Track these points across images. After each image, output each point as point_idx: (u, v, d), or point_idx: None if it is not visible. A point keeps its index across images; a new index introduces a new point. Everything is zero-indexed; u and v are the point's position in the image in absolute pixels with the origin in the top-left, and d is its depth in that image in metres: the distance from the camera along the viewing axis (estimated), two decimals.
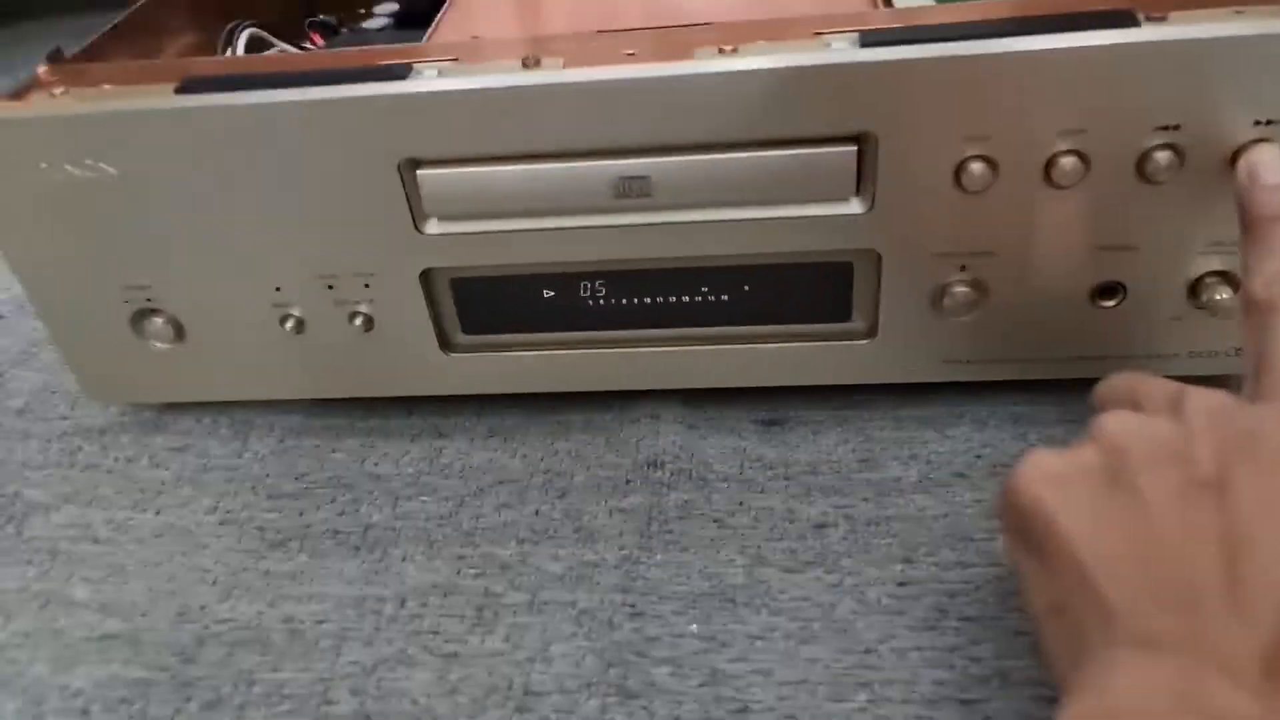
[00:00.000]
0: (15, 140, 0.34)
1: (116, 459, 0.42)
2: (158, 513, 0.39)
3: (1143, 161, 0.31)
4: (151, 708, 0.32)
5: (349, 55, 0.37)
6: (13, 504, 0.40)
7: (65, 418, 0.44)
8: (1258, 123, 0.30)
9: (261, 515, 0.39)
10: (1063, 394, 0.40)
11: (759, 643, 0.32)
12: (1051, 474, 0.26)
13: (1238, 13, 0.30)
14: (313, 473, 0.40)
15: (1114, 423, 0.26)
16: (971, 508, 0.35)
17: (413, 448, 0.41)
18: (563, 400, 0.42)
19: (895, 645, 0.31)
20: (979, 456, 0.37)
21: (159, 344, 0.39)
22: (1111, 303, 0.35)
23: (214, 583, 0.36)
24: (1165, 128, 0.30)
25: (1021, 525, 0.27)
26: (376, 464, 0.40)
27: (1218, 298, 0.33)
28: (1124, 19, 0.30)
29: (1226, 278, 0.34)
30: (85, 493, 0.40)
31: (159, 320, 0.39)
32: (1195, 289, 0.34)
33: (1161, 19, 0.30)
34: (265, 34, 0.48)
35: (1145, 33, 0.29)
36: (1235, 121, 0.30)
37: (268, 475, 0.40)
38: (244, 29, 0.49)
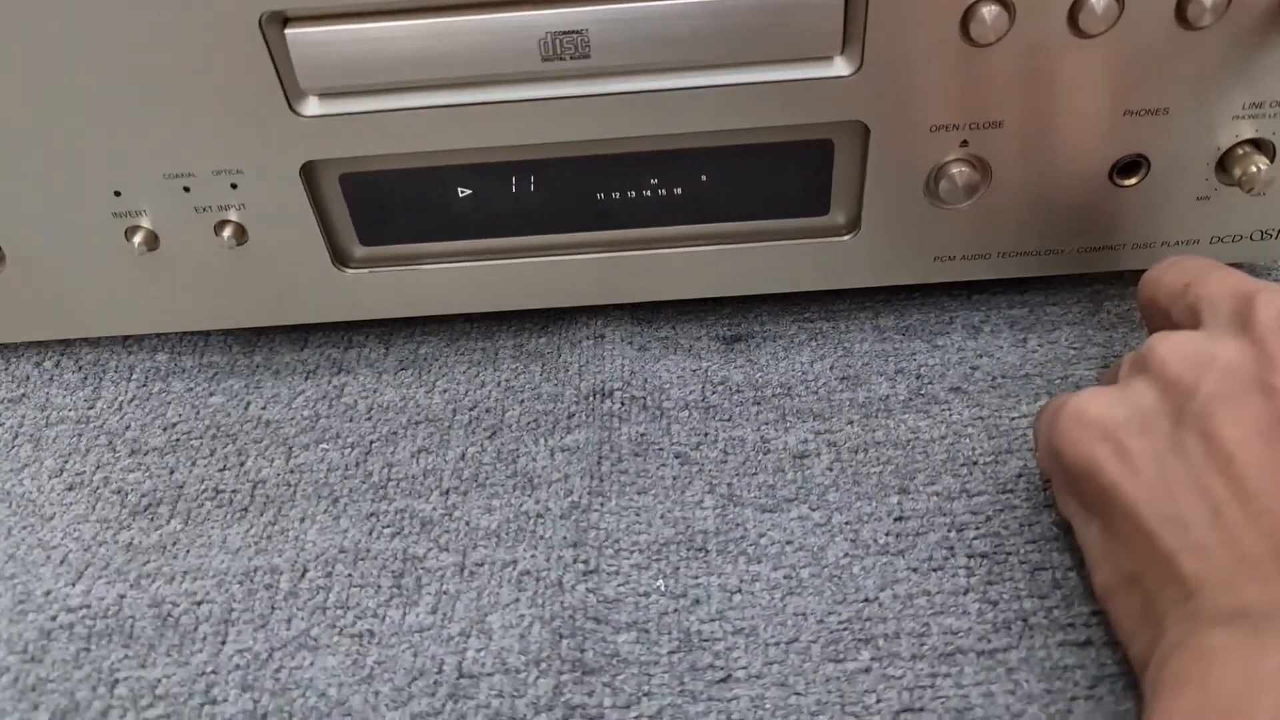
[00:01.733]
0: None
1: None
2: None
3: (1183, 2, 0.26)
4: None
5: None
6: None
7: None
8: None
9: (121, 476, 0.31)
10: (1062, 291, 0.35)
11: (737, 597, 0.27)
12: (1103, 423, 0.22)
13: None
14: (184, 421, 0.33)
15: (1170, 348, 0.22)
16: (972, 426, 0.31)
17: (307, 386, 0.34)
18: (488, 323, 0.36)
19: (898, 592, 0.26)
20: (974, 368, 0.32)
21: None
22: (1133, 181, 0.30)
23: (62, 561, 0.29)
24: None
25: (1075, 485, 0.23)
26: (264, 408, 0.33)
27: (1253, 169, 0.29)
28: None
29: (1261, 147, 0.29)
30: None
31: None
32: (1224, 161, 0.29)
33: None
34: None
35: None
36: None
37: (128, 428, 0.33)
38: None
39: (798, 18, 0.26)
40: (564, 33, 0.26)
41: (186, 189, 0.29)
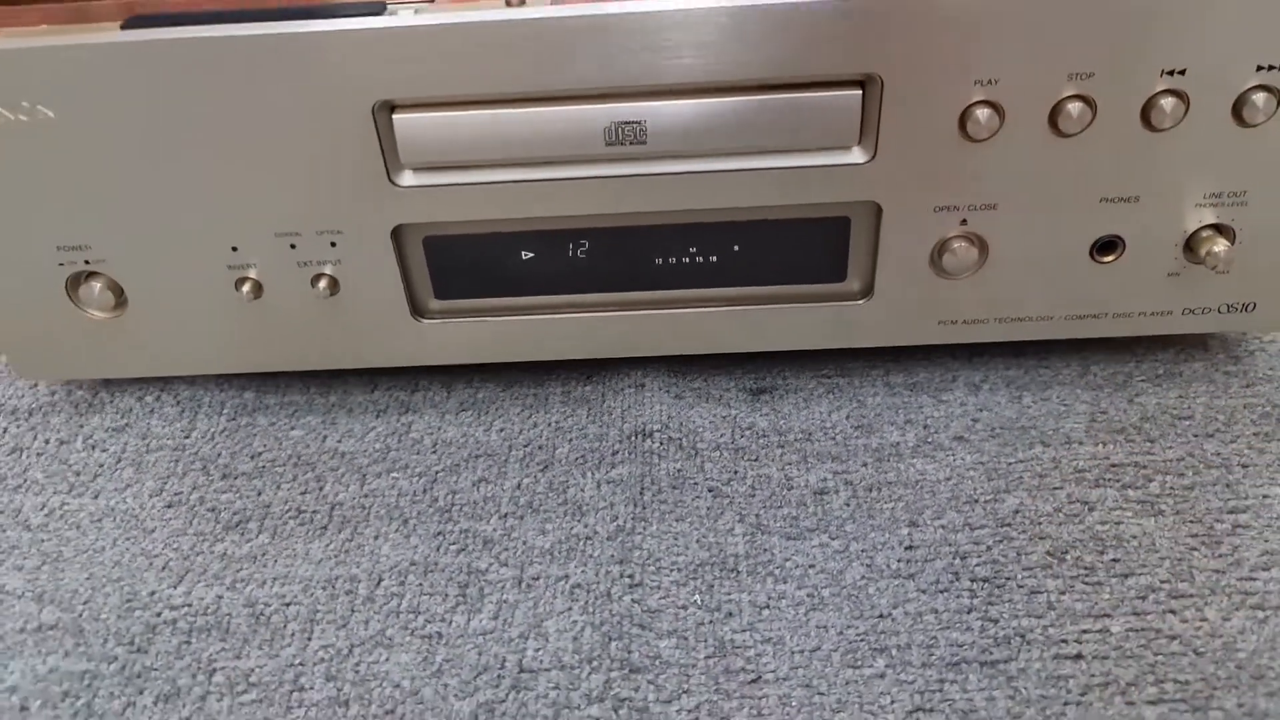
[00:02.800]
0: None
1: (47, 441, 0.38)
2: (96, 497, 0.36)
3: (1149, 107, 0.31)
4: (98, 701, 0.29)
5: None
6: None
7: None
8: (1260, 68, 0.30)
9: (214, 496, 0.35)
10: (1053, 356, 0.39)
11: (766, 611, 0.30)
12: None
13: None
14: (269, 451, 0.37)
15: None
16: (974, 470, 0.34)
17: (378, 424, 0.38)
18: (540, 372, 0.40)
19: (909, 609, 0.30)
20: (975, 420, 0.36)
21: (98, 312, 0.36)
22: (1111, 258, 0.34)
23: (164, 568, 0.33)
24: (1171, 72, 0.30)
25: None
26: (340, 441, 0.37)
27: (1215, 250, 0.33)
28: None
29: (1222, 231, 0.33)
30: (12, 478, 0.37)
31: (98, 285, 0.35)
32: (1190, 243, 0.34)
33: None
34: None
35: None
36: (1239, 67, 0.30)
37: (219, 455, 0.37)
38: None
39: (822, 114, 0.31)
40: (625, 123, 0.31)
41: (293, 245, 0.34)
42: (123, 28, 0.31)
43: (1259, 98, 0.30)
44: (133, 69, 0.30)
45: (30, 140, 0.32)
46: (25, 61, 0.30)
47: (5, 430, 0.39)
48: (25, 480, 0.37)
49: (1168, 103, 0.30)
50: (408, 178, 0.33)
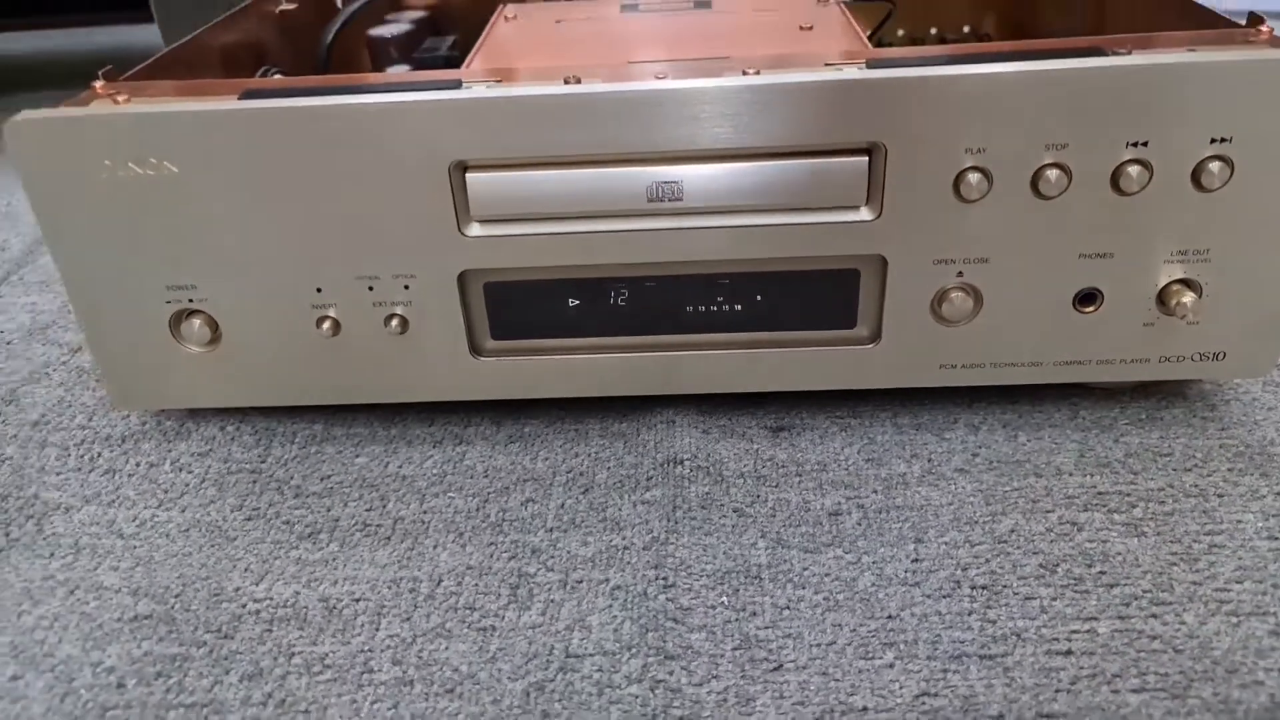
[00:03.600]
0: (83, 138, 0.36)
1: (138, 464, 0.42)
2: (183, 511, 0.40)
3: (1117, 175, 0.35)
4: (189, 680, 0.32)
5: (398, 75, 0.40)
6: (31, 504, 0.40)
7: (84, 428, 0.45)
8: (1214, 140, 0.35)
9: (289, 512, 0.39)
10: (1045, 400, 0.43)
11: (786, 611, 0.34)
12: None
13: (1191, 49, 0.35)
14: (337, 475, 0.41)
15: None
16: (973, 496, 0.38)
17: (435, 452, 0.42)
18: (580, 410, 0.44)
19: (915, 611, 0.33)
20: (975, 455, 0.40)
21: (194, 347, 0.41)
22: (1091, 309, 0.39)
23: (246, 569, 0.37)
24: (1135, 144, 0.35)
25: None
26: (400, 466, 0.42)
27: (1183, 302, 0.37)
28: (1095, 52, 0.35)
29: (1189, 285, 0.38)
30: (107, 494, 0.41)
31: (197, 322, 0.40)
32: (1163, 296, 0.38)
33: (1126, 52, 0.35)
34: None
35: (1113, 61, 0.34)
36: (1195, 139, 0.35)
37: (292, 477, 0.41)
38: (273, 72, 0.52)
39: (834, 177, 0.36)
40: (665, 182, 0.36)
41: (370, 288, 0.39)
42: (240, 98, 0.36)
43: (1214, 166, 0.35)
44: (247, 132, 0.36)
45: (155, 192, 0.37)
46: (161, 124, 0.36)
47: (100, 455, 0.43)
48: (118, 497, 0.41)
49: (1134, 170, 0.35)
50: (475, 229, 0.38)
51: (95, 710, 0.32)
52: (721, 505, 0.38)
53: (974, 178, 0.35)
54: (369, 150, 0.36)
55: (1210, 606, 0.33)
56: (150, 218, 0.38)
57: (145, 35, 1.18)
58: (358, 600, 0.35)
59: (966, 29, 0.66)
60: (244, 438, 0.44)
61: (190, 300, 0.40)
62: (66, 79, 1.01)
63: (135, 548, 0.38)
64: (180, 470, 0.42)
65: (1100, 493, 0.38)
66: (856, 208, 0.37)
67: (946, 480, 0.39)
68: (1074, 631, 0.32)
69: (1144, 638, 0.32)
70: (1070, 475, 0.39)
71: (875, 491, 0.39)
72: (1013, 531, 0.36)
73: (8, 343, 0.52)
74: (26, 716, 0.31)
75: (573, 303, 0.40)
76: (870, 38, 0.63)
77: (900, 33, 0.67)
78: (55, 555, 0.38)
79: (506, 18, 0.52)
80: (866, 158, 0.36)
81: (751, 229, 0.37)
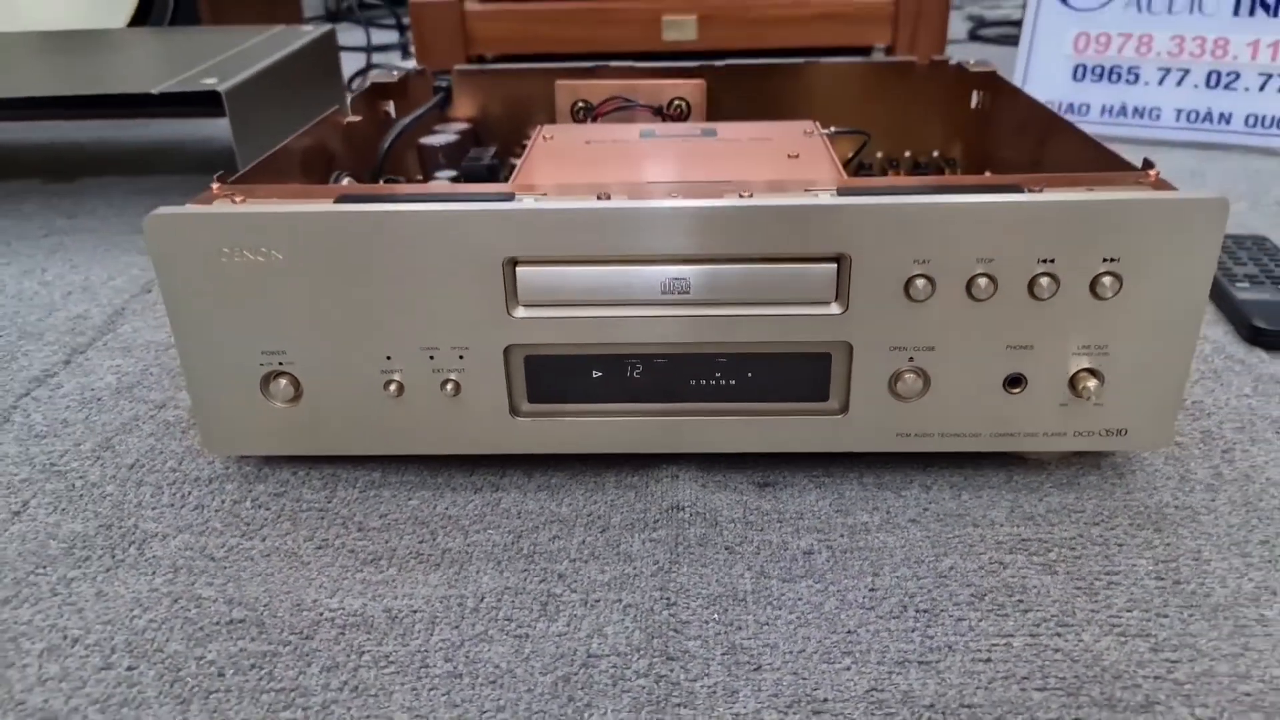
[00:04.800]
0: (209, 230, 0.45)
1: (223, 501, 0.50)
2: (263, 540, 0.47)
3: (1032, 284, 0.45)
4: (278, 670, 0.40)
5: (463, 187, 0.50)
6: (132, 532, 0.48)
7: (174, 470, 0.53)
8: (1105, 259, 0.44)
9: (353, 542, 0.47)
10: (986, 468, 0.51)
11: (766, 627, 0.41)
12: None
13: (1089, 189, 0.45)
14: (393, 513, 0.49)
15: None
16: (923, 542, 0.46)
17: (476, 497, 0.50)
18: (599, 465, 0.52)
19: (869, 629, 0.41)
20: (925, 509, 0.48)
21: (279, 403, 0.49)
22: (1018, 390, 0.47)
23: (320, 586, 0.44)
24: (1045, 260, 0.44)
25: None
26: (447, 508, 0.50)
27: (1088, 386, 0.46)
28: (1014, 189, 0.45)
29: (1094, 373, 0.47)
30: (197, 525, 0.49)
31: (284, 381, 0.48)
32: (1074, 381, 0.47)
33: (1039, 190, 0.44)
34: (355, 181, 0.61)
35: (1028, 197, 0.44)
36: (1091, 258, 0.44)
37: (354, 515, 0.49)
38: (343, 175, 0.62)
39: (809, 279, 0.45)
40: (675, 279, 0.45)
41: (431, 357, 0.48)
42: (336, 201, 0.46)
43: (1106, 280, 0.44)
44: (343, 229, 0.45)
45: (262, 274, 0.46)
46: (273, 221, 0.45)
47: (190, 493, 0.51)
48: (207, 527, 0.48)
49: (1044, 281, 0.44)
50: (520, 311, 0.47)
51: (200, 693, 0.39)
52: (715, 544, 0.46)
53: (921, 283, 0.45)
54: (438, 246, 0.45)
55: (1104, 628, 0.41)
56: (255, 295, 0.46)
57: (191, 128, 1.29)
58: (415, 611, 0.43)
59: (936, 153, 0.77)
60: (313, 482, 0.52)
61: (280, 363, 0.48)
62: (124, 166, 1.12)
63: (225, 568, 0.46)
64: (259, 507, 0.50)
65: (1024, 539, 0.46)
66: (828, 303, 0.46)
67: (901, 528, 0.47)
68: (994, 645, 0.40)
69: (1049, 650, 0.40)
70: (1001, 525, 0.47)
71: (842, 536, 0.47)
72: (952, 569, 0.44)
73: (98, 399, 0.61)
74: (142, 698, 0.39)
75: (596, 374, 0.49)
76: (849, 163, 0.74)
77: (879, 154, 0.77)
78: (157, 573, 0.45)
79: (545, 137, 0.62)
80: (835, 265, 0.45)
81: (744, 318, 0.46)
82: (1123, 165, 0.49)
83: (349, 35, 1.79)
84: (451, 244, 0.45)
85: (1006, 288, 0.45)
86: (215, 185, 0.49)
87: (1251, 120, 1.02)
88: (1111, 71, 1.06)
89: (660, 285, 0.46)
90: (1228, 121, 1.03)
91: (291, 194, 0.48)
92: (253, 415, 0.50)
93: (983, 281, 0.44)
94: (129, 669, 0.40)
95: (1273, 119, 1.01)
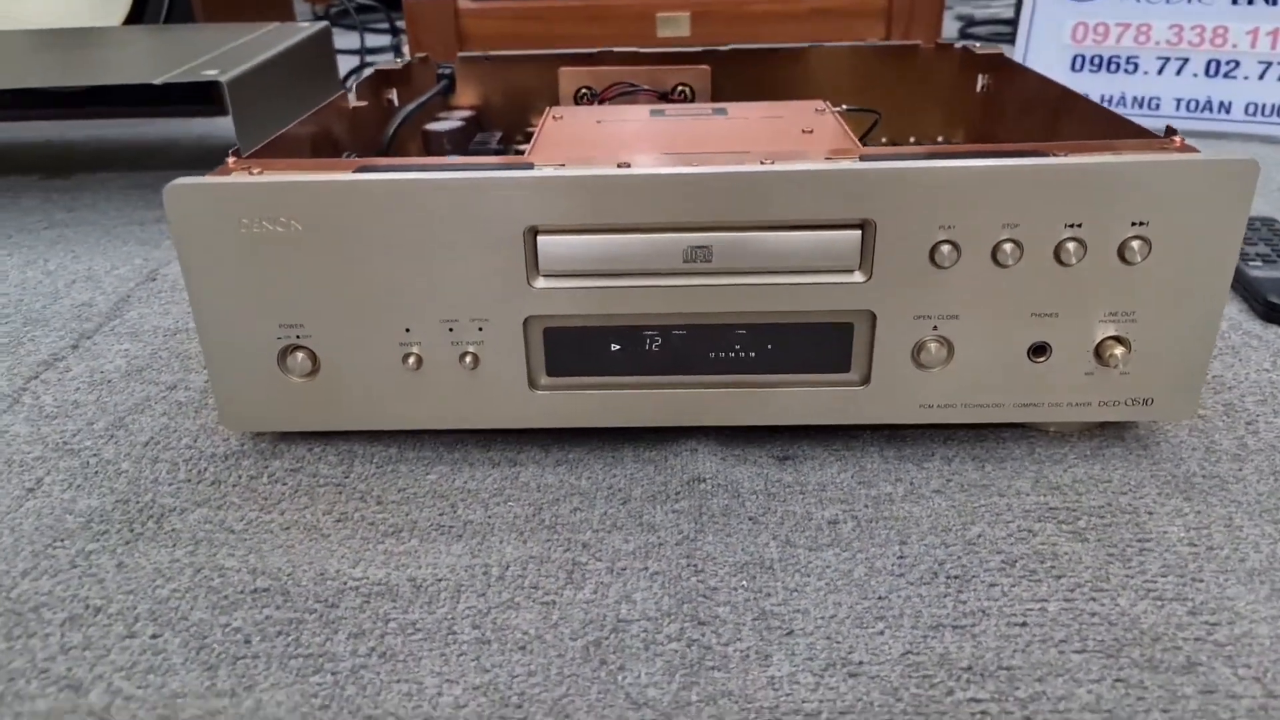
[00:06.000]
0: (229, 200, 0.44)
1: (240, 477, 0.50)
2: (282, 514, 0.47)
3: (1058, 249, 0.44)
4: (304, 637, 0.39)
5: (481, 159, 0.49)
6: (150, 507, 0.47)
7: (189, 448, 0.52)
8: (1134, 223, 0.44)
9: (373, 515, 0.47)
10: (1008, 440, 0.51)
11: (795, 593, 0.41)
12: None
13: (1115, 152, 0.45)
14: (411, 488, 0.49)
15: None
16: (948, 511, 0.46)
17: (494, 472, 0.50)
18: (617, 440, 0.52)
19: (900, 595, 0.41)
20: (949, 480, 0.48)
21: (296, 377, 0.48)
22: (1042, 359, 0.47)
23: (343, 557, 0.44)
24: (1072, 225, 0.44)
25: None
26: (465, 482, 0.49)
27: (1115, 353, 0.46)
28: (1040, 155, 0.44)
29: (1120, 341, 0.47)
30: (215, 500, 0.48)
31: (301, 355, 0.48)
32: (1099, 350, 0.47)
33: (1065, 155, 0.44)
34: None
35: (1055, 160, 0.43)
36: (1119, 221, 0.44)
37: (372, 490, 0.49)
38: (352, 157, 0.61)
39: (834, 248, 0.45)
40: (698, 247, 0.45)
41: (450, 329, 0.47)
42: (355, 171, 0.45)
43: (1135, 244, 0.44)
44: (363, 198, 0.44)
45: (281, 245, 0.45)
46: (294, 190, 0.44)
47: (206, 469, 0.50)
48: (225, 502, 0.48)
49: (1071, 246, 0.44)
50: (541, 282, 0.46)
51: (228, 660, 0.38)
52: (738, 514, 0.46)
53: (946, 249, 0.44)
54: (459, 216, 0.44)
55: (1139, 593, 0.40)
56: (273, 267, 0.46)
57: (185, 128, 1.28)
58: (440, 580, 0.42)
59: (940, 139, 0.77)
60: (329, 458, 0.51)
61: (298, 337, 0.48)
62: (121, 163, 1.11)
63: (246, 540, 0.45)
64: (276, 483, 0.49)
65: (1051, 507, 0.46)
66: (851, 271, 0.46)
67: (925, 499, 0.47)
68: (1028, 609, 0.40)
69: (1084, 614, 0.39)
70: (1028, 495, 0.47)
71: (866, 506, 0.46)
72: (980, 536, 0.44)
73: (108, 381, 0.60)
74: (168, 665, 0.38)
75: (616, 347, 0.48)
76: (860, 142, 0.74)
77: (884, 140, 0.77)
78: (178, 545, 0.45)
79: (555, 118, 0.62)
80: (860, 231, 0.45)
81: (766, 287, 0.46)
82: (1145, 134, 0.49)
83: (342, 39, 1.78)
84: (472, 213, 0.44)
85: (1032, 253, 0.45)
86: (231, 159, 0.49)
87: (1251, 109, 1.03)
88: (1110, 61, 1.07)
89: (682, 253, 0.45)
90: (1228, 110, 1.04)
91: (309, 166, 0.47)
92: (270, 390, 0.49)
93: (1008, 247, 0.44)
94: (153, 637, 0.39)
95: (1273, 107, 1.01)
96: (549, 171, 0.44)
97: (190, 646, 0.39)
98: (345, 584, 0.42)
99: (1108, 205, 0.44)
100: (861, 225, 0.45)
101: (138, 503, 0.48)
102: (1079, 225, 0.44)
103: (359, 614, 0.40)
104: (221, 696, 0.36)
